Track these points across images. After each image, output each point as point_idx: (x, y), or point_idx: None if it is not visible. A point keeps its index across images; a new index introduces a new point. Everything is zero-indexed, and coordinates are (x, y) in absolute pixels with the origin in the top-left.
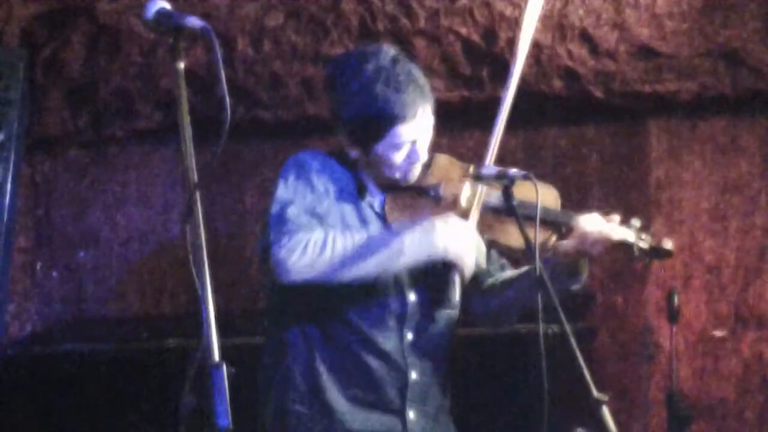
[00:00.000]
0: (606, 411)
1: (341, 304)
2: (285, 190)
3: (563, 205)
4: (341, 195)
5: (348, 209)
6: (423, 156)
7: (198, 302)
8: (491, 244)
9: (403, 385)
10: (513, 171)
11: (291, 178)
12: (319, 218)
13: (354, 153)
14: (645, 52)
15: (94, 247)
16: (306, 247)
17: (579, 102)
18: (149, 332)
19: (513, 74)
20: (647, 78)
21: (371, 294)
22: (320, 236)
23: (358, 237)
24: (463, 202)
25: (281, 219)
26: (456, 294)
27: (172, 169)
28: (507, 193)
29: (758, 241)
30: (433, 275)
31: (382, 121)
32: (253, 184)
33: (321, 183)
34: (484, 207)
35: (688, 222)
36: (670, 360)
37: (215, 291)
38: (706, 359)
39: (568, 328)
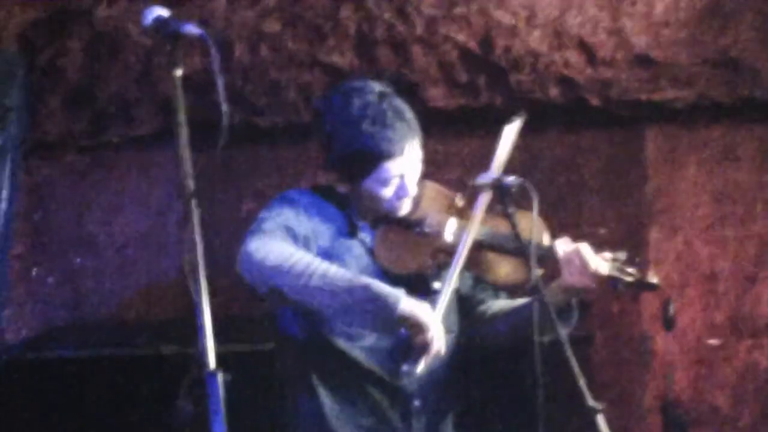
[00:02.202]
0: (601, 419)
1: (335, 335)
2: (266, 211)
3: (557, 214)
4: (332, 230)
5: (338, 242)
6: (411, 191)
7: (195, 308)
8: (480, 278)
9: (408, 413)
10: (510, 179)
11: (275, 205)
12: (297, 237)
13: (342, 189)
14: (642, 60)
15: (91, 252)
16: (268, 255)
17: (576, 110)
18: (146, 338)
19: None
20: (644, 86)
21: (360, 330)
22: (287, 249)
23: (323, 267)
24: (449, 237)
25: (255, 230)
26: (419, 368)
27: (170, 174)
28: (504, 201)
29: (755, 250)
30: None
31: (369, 157)
32: (250, 190)
33: (307, 217)
34: (474, 242)
35: (685, 230)
36: (666, 368)
37: (212, 297)
38: (702, 367)
39: (563, 336)
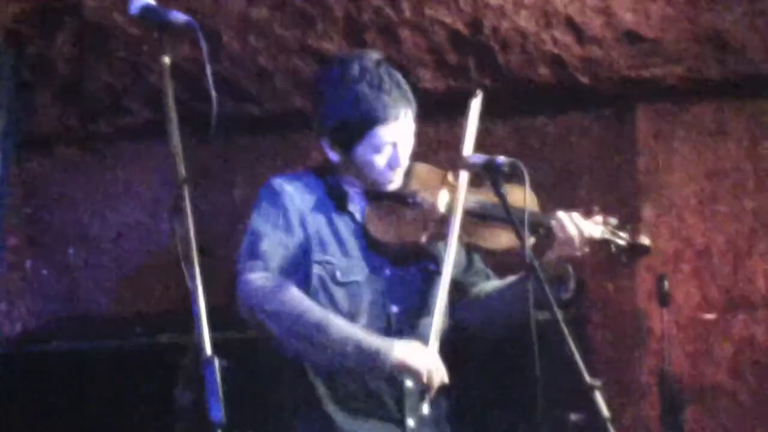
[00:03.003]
0: (599, 396)
1: None
2: (258, 220)
3: (549, 194)
4: (316, 212)
5: (323, 225)
6: (404, 162)
7: (190, 297)
8: (472, 249)
9: (400, 394)
10: (501, 159)
11: (264, 207)
12: (290, 251)
13: (335, 156)
14: (631, 37)
15: (84, 244)
16: (266, 298)
17: (566, 89)
18: (142, 328)
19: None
20: (633, 63)
21: (353, 310)
22: (286, 295)
23: (318, 318)
24: (442, 208)
25: (253, 252)
26: (425, 408)
27: (162, 164)
28: (495, 181)
29: (747, 225)
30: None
31: (363, 121)
32: (242, 177)
33: (293, 208)
34: (464, 212)
35: (677, 206)
36: (662, 344)
37: (207, 286)
38: (698, 343)
39: (559, 315)
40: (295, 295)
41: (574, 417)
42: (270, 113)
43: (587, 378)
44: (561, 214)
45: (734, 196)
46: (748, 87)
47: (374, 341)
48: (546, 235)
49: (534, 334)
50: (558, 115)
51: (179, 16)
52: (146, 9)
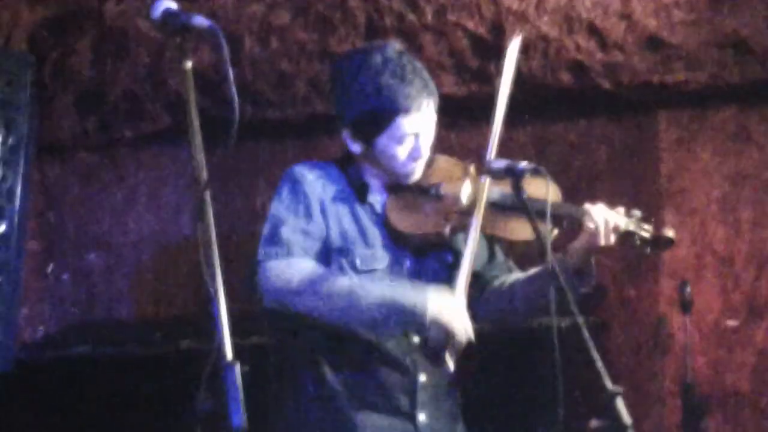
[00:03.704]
0: (621, 403)
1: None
2: (278, 206)
3: (570, 200)
4: (337, 202)
5: (345, 215)
6: (425, 153)
7: (211, 303)
8: (495, 240)
9: (413, 388)
10: (523, 164)
11: (285, 194)
12: (311, 239)
13: (356, 148)
14: (653, 42)
15: (105, 249)
16: (292, 279)
17: (587, 94)
18: (162, 334)
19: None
20: (655, 69)
21: None
22: (309, 271)
23: (346, 287)
24: (464, 200)
25: (273, 239)
26: (451, 365)
27: (182, 170)
28: (517, 187)
29: None
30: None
31: (386, 111)
32: (263, 183)
33: (314, 196)
34: (487, 203)
35: (699, 212)
36: (684, 351)
37: (228, 291)
38: (720, 350)
39: (581, 321)
40: (318, 272)
41: (595, 423)
42: (291, 118)
43: (609, 384)
44: (588, 206)
45: (757, 202)
46: None
47: (409, 295)
48: (570, 227)
49: (555, 340)
50: (579, 120)
51: (201, 21)
52: (168, 14)
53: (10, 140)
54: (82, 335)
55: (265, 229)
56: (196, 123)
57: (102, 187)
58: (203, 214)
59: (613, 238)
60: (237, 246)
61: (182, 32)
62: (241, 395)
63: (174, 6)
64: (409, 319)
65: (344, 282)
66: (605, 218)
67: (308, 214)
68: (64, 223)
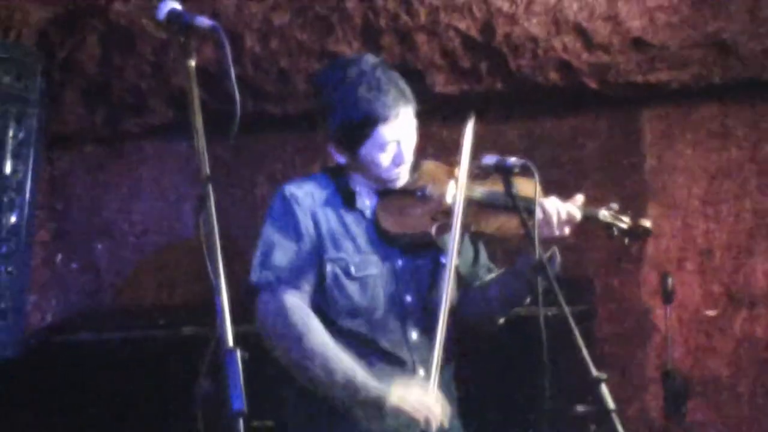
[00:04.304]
0: (605, 389)
1: (340, 314)
2: (271, 228)
3: (559, 194)
4: (327, 210)
5: (335, 223)
6: (408, 158)
7: (212, 291)
8: (478, 235)
9: (411, 375)
10: (512, 160)
11: (276, 215)
12: (301, 259)
13: (342, 159)
14: (637, 43)
15: (110, 239)
16: (278, 326)
17: (575, 93)
18: (165, 321)
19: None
20: (640, 69)
21: (368, 303)
22: (294, 327)
23: (323, 358)
24: (449, 199)
25: (266, 263)
26: None
27: (185, 162)
28: (507, 182)
29: (748, 224)
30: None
31: (366, 122)
32: (262, 175)
33: (304, 212)
34: (469, 201)
35: (681, 206)
36: (666, 339)
37: (229, 280)
38: (700, 338)
39: (567, 310)
40: (301, 330)
41: (580, 409)
42: (290, 114)
43: (593, 371)
44: (540, 199)
45: (736, 196)
46: (751, 91)
47: (373, 389)
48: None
49: (542, 329)
50: (567, 117)
51: (204, 21)
52: (173, 13)
53: (21, 134)
54: (89, 322)
55: (259, 251)
56: (198, 118)
57: (108, 178)
58: (205, 206)
59: (567, 230)
60: (237, 237)
61: (186, 31)
62: (241, 380)
63: (178, 6)
64: (372, 406)
65: (323, 351)
66: (557, 209)
67: (298, 234)
68: (72, 213)
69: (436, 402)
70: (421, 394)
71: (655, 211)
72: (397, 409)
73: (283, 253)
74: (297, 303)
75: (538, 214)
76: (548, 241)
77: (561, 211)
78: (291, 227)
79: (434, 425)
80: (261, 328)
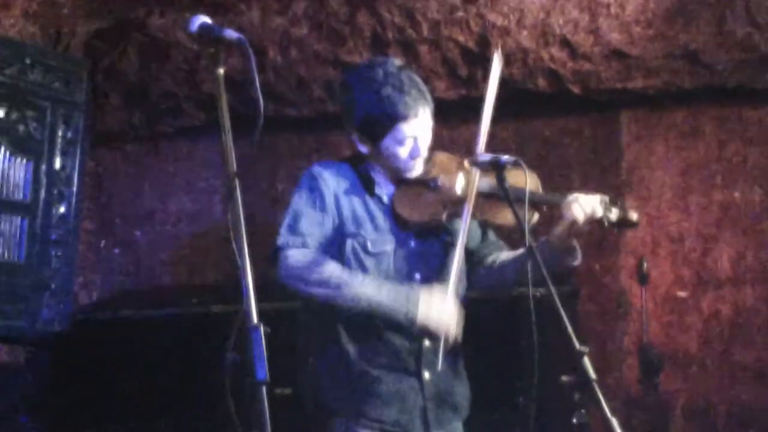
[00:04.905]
0: (587, 361)
1: None
2: (299, 200)
3: (546, 188)
4: (350, 194)
5: (357, 205)
6: (423, 152)
7: (239, 272)
8: (486, 224)
9: (418, 351)
10: (505, 157)
11: (304, 189)
12: (325, 229)
13: (364, 149)
14: (616, 54)
15: (148, 227)
16: (305, 269)
17: (560, 98)
18: (197, 299)
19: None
20: (618, 76)
21: (382, 276)
22: (321, 266)
23: (350, 283)
24: (458, 190)
25: (293, 229)
26: (440, 358)
27: (214, 159)
28: (500, 177)
29: (715, 215)
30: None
31: (388, 118)
32: (283, 172)
33: (329, 190)
34: (477, 193)
35: (655, 198)
36: (641, 317)
37: (253, 263)
38: (672, 316)
39: (553, 290)
40: (333, 267)
41: (565, 379)
42: (307, 116)
43: (577, 345)
44: (574, 196)
45: (704, 190)
46: (717, 97)
47: (400, 305)
48: (550, 212)
49: (532, 308)
50: (553, 119)
51: (232, 34)
52: (203, 27)
53: (69, 134)
54: (129, 300)
55: (286, 219)
56: (227, 120)
57: (146, 173)
58: (232, 198)
59: (587, 226)
60: (260, 225)
61: (215, 43)
62: (264, 352)
63: (208, 20)
64: (401, 323)
65: (349, 278)
66: (591, 206)
67: (323, 208)
68: (114, 204)
69: (453, 316)
70: (445, 307)
71: (631, 203)
72: (423, 325)
73: (309, 222)
74: (325, 257)
75: (567, 213)
76: (575, 235)
77: (588, 207)
78: (317, 200)
79: (451, 339)
80: (287, 276)
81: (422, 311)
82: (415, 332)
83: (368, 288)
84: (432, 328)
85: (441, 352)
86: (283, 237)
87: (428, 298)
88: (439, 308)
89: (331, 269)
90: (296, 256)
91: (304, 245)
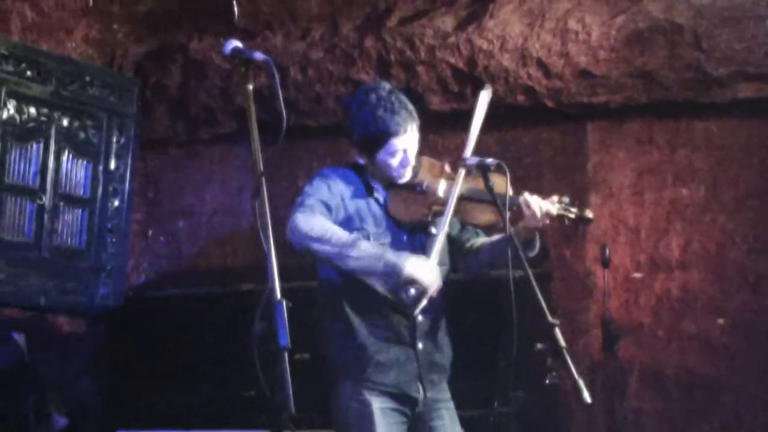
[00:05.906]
0: (558, 332)
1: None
2: (309, 189)
3: (524, 187)
4: (354, 194)
5: (360, 204)
6: (412, 162)
7: (265, 257)
8: (464, 223)
9: (413, 325)
10: (489, 160)
11: (315, 182)
12: (330, 209)
13: (361, 160)
14: (583, 74)
15: (188, 218)
16: (312, 227)
17: (536, 111)
18: (230, 279)
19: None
20: (585, 92)
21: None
22: (326, 225)
23: (351, 240)
24: (441, 193)
25: (301, 205)
26: (420, 307)
27: (244, 162)
28: (485, 176)
29: (666, 209)
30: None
31: (382, 135)
32: (302, 172)
33: (337, 189)
34: (459, 196)
35: (616, 196)
36: (604, 295)
37: (276, 249)
38: (630, 294)
39: (530, 273)
40: (332, 226)
41: (539, 346)
42: (323, 126)
43: (549, 318)
44: (526, 196)
45: (657, 188)
46: (668, 110)
47: (393, 258)
48: (519, 210)
49: (511, 287)
50: (530, 129)
51: (259, 56)
52: (235, 50)
53: (122, 140)
54: (172, 280)
55: (298, 200)
56: (255, 129)
57: (187, 173)
58: (260, 194)
59: (547, 220)
60: (282, 218)
61: (245, 63)
62: (286, 323)
63: (240, 45)
64: (391, 272)
65: (350, 238)
66: (539, 206)
67: (331, 194)
68: (160, 199)
69: (436, 273)
70: (429, 265)
71: (595, 199)
72: (411, 275)
73: (316, 200)
74: (327, 220)
75: (526, 210)
76: (532, 230)
77: (542, 207)
78: (326, 188)
79: (432, 290)
80: (294, 232)
81: (411, 264)
82: (404, 280)
83: (367, 245)
84: (417, 277)
85: (425, 298)
86: (294, 210)
87: (416, 258)
88: (424, 265)
89: (334, 228)
90: (304, 216)
91: (312, 211)
